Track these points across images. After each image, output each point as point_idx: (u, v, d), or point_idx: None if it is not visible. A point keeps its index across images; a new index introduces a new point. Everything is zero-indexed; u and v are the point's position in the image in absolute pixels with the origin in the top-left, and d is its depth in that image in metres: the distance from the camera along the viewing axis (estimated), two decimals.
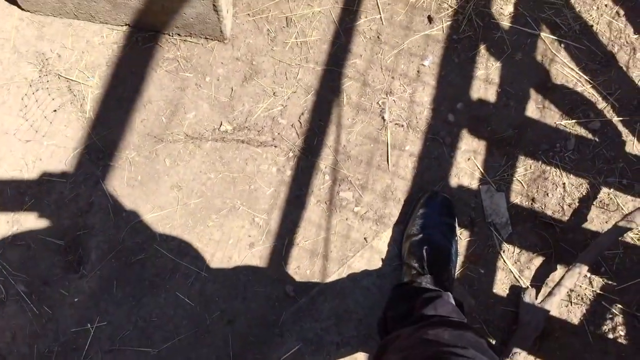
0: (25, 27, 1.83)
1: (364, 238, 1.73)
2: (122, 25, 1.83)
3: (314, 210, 1.75)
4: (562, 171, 1.77)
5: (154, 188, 1.74)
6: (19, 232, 1.68)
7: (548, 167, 1.77)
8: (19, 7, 1.82)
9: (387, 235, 1.73)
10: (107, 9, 1.75)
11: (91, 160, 1.74)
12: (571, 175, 1.76)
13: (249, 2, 1.89)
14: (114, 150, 1.75)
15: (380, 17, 1.90)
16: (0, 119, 1.76)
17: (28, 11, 1.83)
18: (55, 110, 1.76)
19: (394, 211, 1.76)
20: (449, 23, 1.89)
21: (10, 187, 1.71)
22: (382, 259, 1.72)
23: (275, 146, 1.80)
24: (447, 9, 1.90)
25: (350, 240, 1.73)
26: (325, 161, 1.79)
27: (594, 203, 1.74)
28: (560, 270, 1.70)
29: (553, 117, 1.81)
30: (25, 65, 1.79)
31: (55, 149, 1.74)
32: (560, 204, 1.75)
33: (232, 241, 1.72)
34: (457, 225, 1.71)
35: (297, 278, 1.70)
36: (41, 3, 1.77)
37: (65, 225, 1.69)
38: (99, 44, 1.83)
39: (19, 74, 1.79)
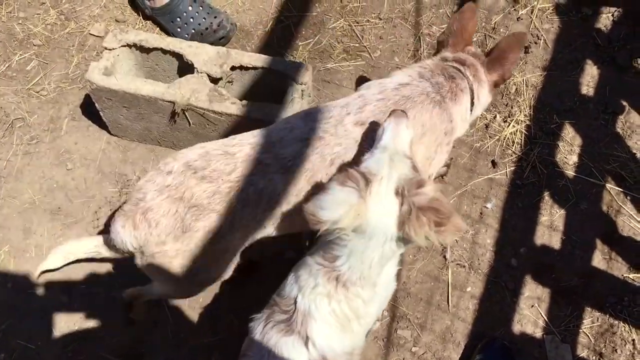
0: (111, 150, 1.97)
1: None
2: None
3: (370, 347, 1.72)
4: (631, 327, 1.70)
5: (214, 311, 1.76)
6: (81, 347, 1.70)
7: (616, 321, 1.72)
8: (109, 132, 1.97)
9: None
10: (189, 139, 1.88)
11: None
12: None
13: None
14: None
15: None
16: (77, 233, 1.85)
17: (116, 136, 1.98)
18: None
19: (453, 355, 1.71)
20: (512, 168, 1.93)
21: (80, 301, 1.76)
22: None
23: None
24: (512, 155, 1.95)
25: None
26: None
27: None
28: None
29: (620, 269, 1.78)
30: (107, 185, 1.91)
31: (124, 263, 1.80)
32: None
33: None
34: None
35: None
36: (130, 130, 1.92)
37: (126, 343, 1.71)
38: None
39: (100, 193, 1.90)
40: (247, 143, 1.34)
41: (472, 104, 1.49)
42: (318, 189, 1.19)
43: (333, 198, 1.10)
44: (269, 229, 1.40)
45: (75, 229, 1.85)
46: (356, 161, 1.31)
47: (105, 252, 1.54)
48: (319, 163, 1.33)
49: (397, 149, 1.20)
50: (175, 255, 1.32)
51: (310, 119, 1.37)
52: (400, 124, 1.24)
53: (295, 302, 1.20)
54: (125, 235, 1.33)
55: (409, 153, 1.23)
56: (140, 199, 1.31)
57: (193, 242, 1.30)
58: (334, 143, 1.34)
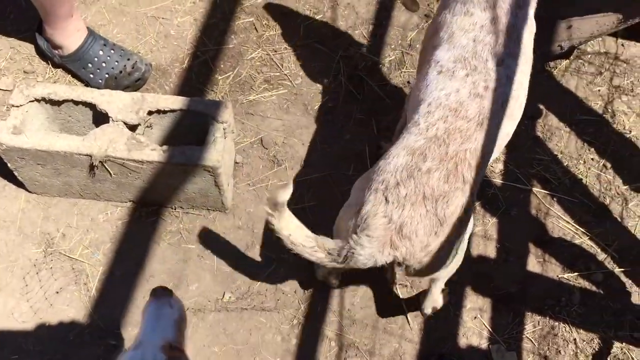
0: (31, 208, 1.88)
1: None
2: (126, 202, 1.89)
3: None
4: (571, 326, 1.74)
5: None
6: None
7: (556, 323, 1.75)
8: (27, 190, 1.88)
9: None
10: (112, 189, 1.82)
11: (92, 340, 1.71)
12: (581, 330, 1.74)
13: (249, 172, 1.97)
14: (115, 329, 1.73)
15: None
16: (3, 302, 1.75)
17: (35, 193, 1.89)
18: (57, 292, 1.76)
19: None
20: None
21: None
22: None
23: (279, 311, 1.78)
24: None
25: None
26: (330, 327, 1.77)
27: (609, 359, 1.70)
28: None
29: (555, 270, 1.82)
30: (29, 247, 1.82)
31: (56, 330, 1.72)
32: None
33: None
34: None
35: None
36: (48, 186, 1.84)
37: None
38: (103, 221, 1.87)
39: (23, 255, 1.81)
40: (436, 120, 1.35)
41: None
42: None
43: None
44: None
45: None
46: None
47: (314, 253, 1.39)
48: (501, 112, 1.38)
49: (156, 346, 1.05)
50: (436, 247, 1.33)
51: (471, 77, 1.38)
52: (164, 308, 1.11)
53: None
54: (384, 257, 1.33)
55: (176, 338, 1.09)
56: (387, 222, 1.30)
57: (450, 227, 1.32)
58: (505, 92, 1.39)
